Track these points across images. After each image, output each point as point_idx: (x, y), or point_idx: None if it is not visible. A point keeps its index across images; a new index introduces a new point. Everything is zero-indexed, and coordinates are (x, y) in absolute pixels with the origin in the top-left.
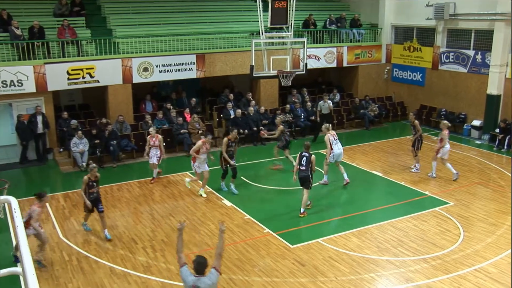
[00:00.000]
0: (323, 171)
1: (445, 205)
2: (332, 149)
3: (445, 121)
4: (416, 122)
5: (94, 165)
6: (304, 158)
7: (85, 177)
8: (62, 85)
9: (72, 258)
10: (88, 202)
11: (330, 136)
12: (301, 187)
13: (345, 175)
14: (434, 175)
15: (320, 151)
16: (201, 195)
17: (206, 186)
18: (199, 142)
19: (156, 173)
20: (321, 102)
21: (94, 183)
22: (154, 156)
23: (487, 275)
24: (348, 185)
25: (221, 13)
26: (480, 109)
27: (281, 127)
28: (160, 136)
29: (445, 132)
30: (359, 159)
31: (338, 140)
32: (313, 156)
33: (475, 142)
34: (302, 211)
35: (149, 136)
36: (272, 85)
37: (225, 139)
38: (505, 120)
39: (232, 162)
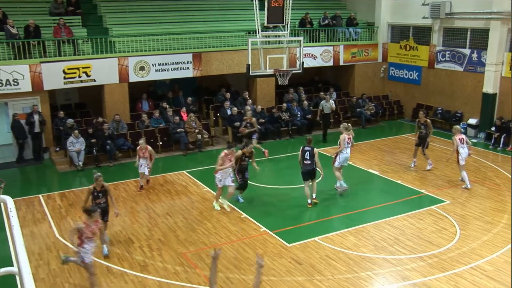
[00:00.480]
0: (337, 179)
1: (441, 203)
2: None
3: (457, 126)
4: (429, 121)
5: (99, 174)
6: (307, 152)
7: (90, 187)
8: (58, 84)
9: None
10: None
11: (346, 137)
12: (304, 182)
13: (339, 182)
14: (468, 185)
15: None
16: (214, 207)
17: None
18: (221, 154)
19: (146, 181)
20: (323, 102)
21: (100, 194)
22: (144, 166)
23: (483, 273)
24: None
25: (218, 11)
26: (476, 108)
27: (254, 119)
28: (149, 147)
29: (455, 138)
30: (355, 157)
31: (350, 145)
32: (315, 149)
33: (471, 141)
34: (314, 196)
35: (138, 148)
36: (269, 83)
37: (239, 152)
38: (501, 118)
39: (246, 175)
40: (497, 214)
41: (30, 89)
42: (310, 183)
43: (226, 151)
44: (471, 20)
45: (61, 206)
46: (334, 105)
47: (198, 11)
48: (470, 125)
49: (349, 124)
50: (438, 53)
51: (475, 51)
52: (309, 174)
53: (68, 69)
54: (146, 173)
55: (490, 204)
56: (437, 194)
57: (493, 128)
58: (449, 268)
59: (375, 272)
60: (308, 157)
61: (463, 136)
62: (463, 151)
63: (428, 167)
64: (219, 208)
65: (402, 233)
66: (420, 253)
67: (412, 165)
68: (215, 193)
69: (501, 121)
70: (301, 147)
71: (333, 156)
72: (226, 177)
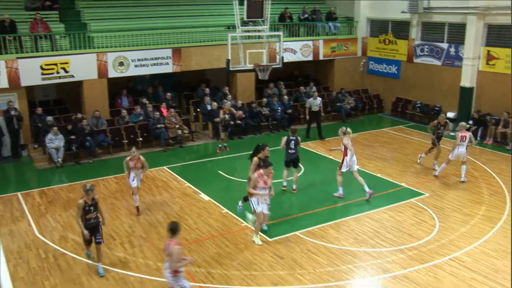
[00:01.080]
0: (337, 183)
1: (420, 196)
2: (346, 154)
3: (462, 123)
4: (448, 121)
5: (91, 185)
6: (292, 141)
7: (80, 201)
8: (36, 80)
9: (48, 255)
10: (85, 232)
11: (350, 140)
12: (285, 168)
13: (365, 186)
14: (437, 173)
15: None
16: (254, 241)
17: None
18: (255, 175)
19: (137, 200)
20: (310, 99)
21: (91, 208)
22: (136, 178)
23: (462, 264)
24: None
25: (197, 6)
26: (454, 101)
27: (231, 108)
28: (142, 158)
29: (457, 134)
30: (335, 151)
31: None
32: (299, 138)
33: (449, 134)
34: (294, 187)
35: (128, 158)
36: (249, 78)
37: (255, 158)
38: (478, 111)
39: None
40: (475, 206)
41: (6, 86)
42: (287, 172)
43: (261, 171)
44: (448, 14)
45: (40, 203)
46: (321, 104)
47: (177, 6)
48: (449, 119)
49: (346, 128)
50: (416, 47)
51: (453, 46)
52: (292, 162)
53: (46, 65)
54: (138, 184)
55: (468, 196)
56: (417, 187)
57: (470, 122)
58: (428, 260)
59: (356, 265)
60: (293, 146)
61: (466, 134)
62: (458, 148)
63: (419, 161)
64: (261, 243)
65: (382, 226)
66: (400, 245)
67: (419, 161)
68: (194, 187)
69: (478, 114)
70: (286, 137)
71: (331, 152)
72: (262, 201)
